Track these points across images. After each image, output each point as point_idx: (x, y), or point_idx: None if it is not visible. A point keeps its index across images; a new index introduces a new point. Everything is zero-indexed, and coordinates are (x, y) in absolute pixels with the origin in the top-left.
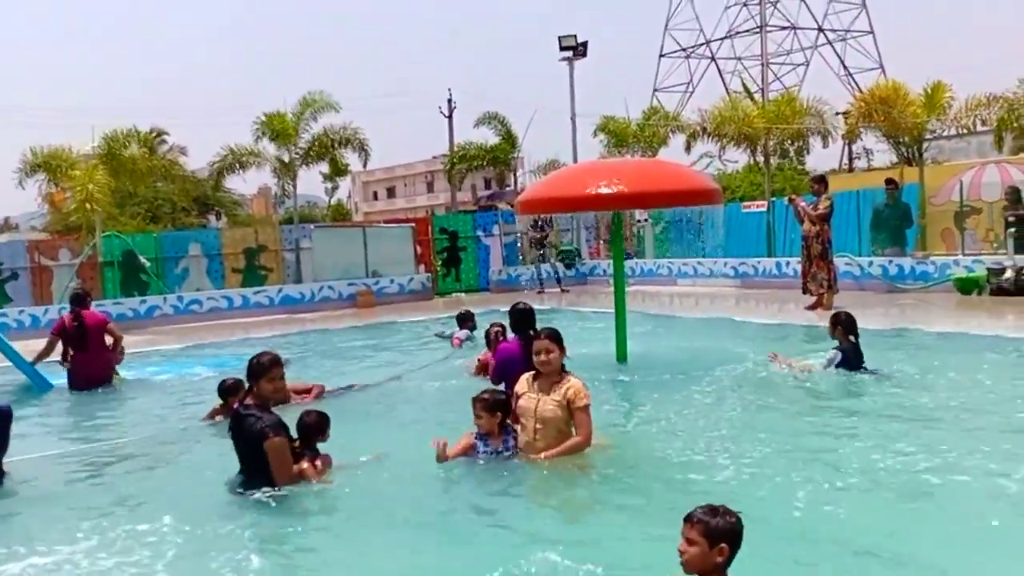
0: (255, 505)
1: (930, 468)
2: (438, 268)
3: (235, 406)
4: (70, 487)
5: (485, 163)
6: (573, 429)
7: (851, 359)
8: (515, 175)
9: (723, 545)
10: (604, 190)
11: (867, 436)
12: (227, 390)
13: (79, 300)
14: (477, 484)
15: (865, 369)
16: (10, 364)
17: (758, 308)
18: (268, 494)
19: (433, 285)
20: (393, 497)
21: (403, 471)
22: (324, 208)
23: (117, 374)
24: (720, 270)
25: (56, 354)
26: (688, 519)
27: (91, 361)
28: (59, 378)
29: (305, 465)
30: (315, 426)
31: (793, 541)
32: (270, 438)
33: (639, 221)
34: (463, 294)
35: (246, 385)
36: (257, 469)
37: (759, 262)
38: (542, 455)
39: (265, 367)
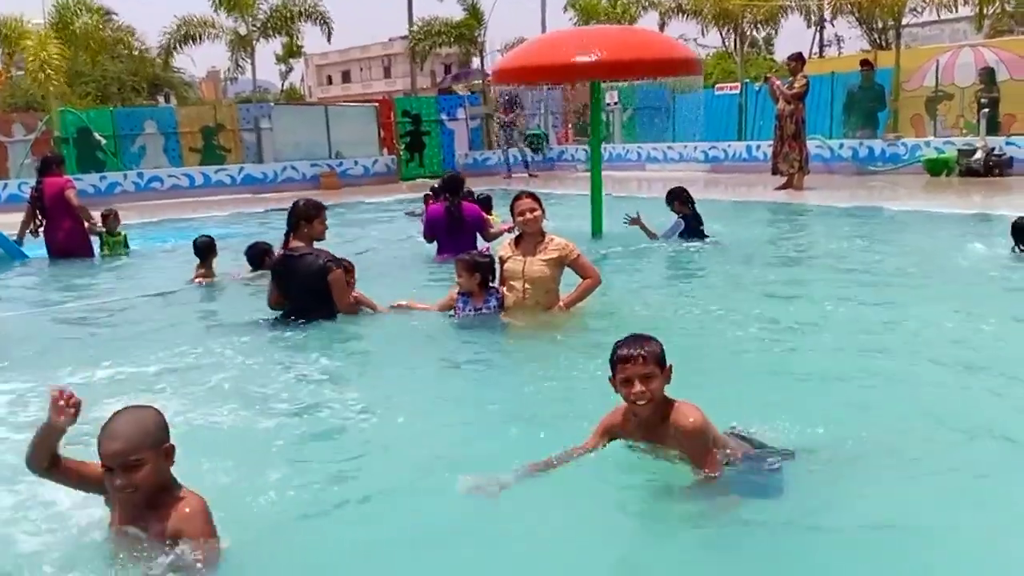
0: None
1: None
2: (401, 152)
3: (281, 251)
4: (97, 330)
5: (452, 40)
6: (575, 279)
7: (693, 227)
8: (481, 56)
9: (670, 364)
10: (586, 58)
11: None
12: (203, 248)
13: (43, 165)
14: (461, 339)
15: (707, 237)
16: None
17: (727, 191)
18: (325, 322)
19: (398, 168)
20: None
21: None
22: (277, 93)
23: (114, 237)
24: (690, 154)
25: None
26: (633, 359)
27: (55, 228)
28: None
29: (359, 293)
30: (348, 268)
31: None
32: (334, 271)
33: (608, 105)
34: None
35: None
36: (317, 302)
37: (729, 146)
38: (563, 303)
39: (319, 207)
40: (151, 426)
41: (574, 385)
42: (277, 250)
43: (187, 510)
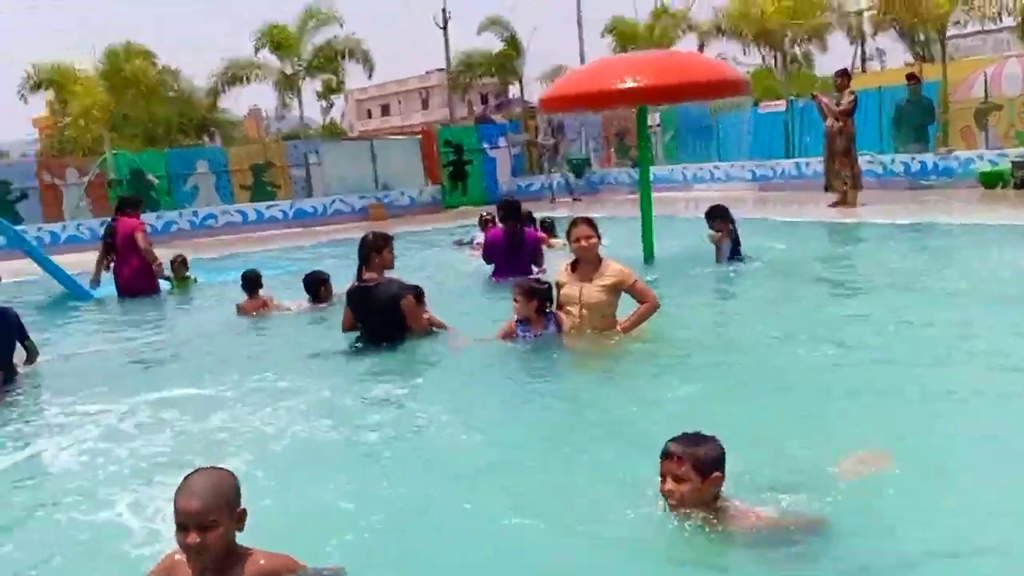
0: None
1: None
2: (444, 182)
3: (355, 283)
4: (174, 360)
5: (492, 71)
6: (632, 304)
7: (736, 245)
8: (520, 84)
9: (716, 474)
10: (634, 83)
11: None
12: (252, 281)
13: (119, 205)
14: (519, 362)
15: (746, 257)
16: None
17: (778, 209)
18: (398, 346)
19: (442, 197)
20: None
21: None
22: (319, 128)
23: (183, 282)
24: (737, 173)
25: None
26: (670, 455)
27: (123, 266)
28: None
29: (428, 315)
30: (418, 293)
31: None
32: (407, 297)
33: (649, 127)
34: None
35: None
36: (391, 327)
37: (777, 164)
38: (620, 328)
39: (387, 238)
40: (228, 489)
41: (634, 409)
42: (348, 282)
43: (262, 561)
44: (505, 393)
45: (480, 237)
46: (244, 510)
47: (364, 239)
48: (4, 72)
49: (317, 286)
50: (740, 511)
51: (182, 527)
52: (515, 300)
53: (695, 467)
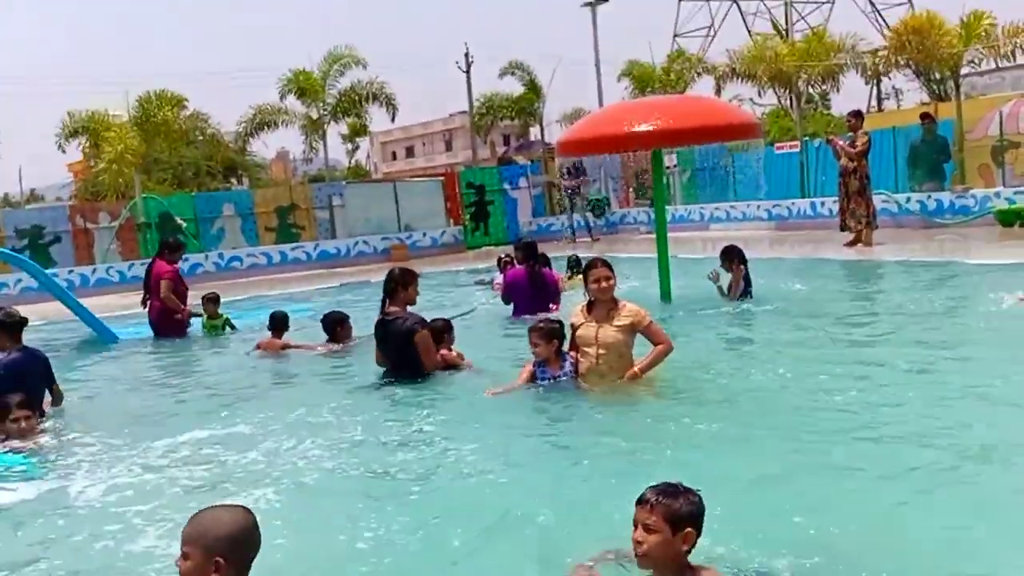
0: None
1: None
2: (466, 223)
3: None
4: (202, 400)
5: (513, 114)
6: (648, 345)
7: (748, 285)
8: (541, 126)
9: (689, 530)
10: (648, 127)
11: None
12: (280, 320)
13: (159, 248)
14: (543, 409)
15: (756, 298)
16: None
17: (795, 248)
18: (423, 383)
19: (464, 238)
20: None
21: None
22: (343, 170)
23: (213, 321)
24: (753, 213)
25: None
26: (643, 502)
27: (152, 308)
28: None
29: (445, 351)
30: (442, 328)
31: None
32: (420, 332)
33: (667, 168)
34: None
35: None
36: (405, 363)
37: (793, 203)
38: (637, 369)
39: (413, 275)
40: (219, 532)
41: (649, 450)
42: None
43: None
44: (526, 436)
45: (499, 277)
46: (221, 562)
47: (391, 273)
48: (44, 119)
49: (335, 326)
50: None
51: None
52: (534, 344)
53: (666, 519)
